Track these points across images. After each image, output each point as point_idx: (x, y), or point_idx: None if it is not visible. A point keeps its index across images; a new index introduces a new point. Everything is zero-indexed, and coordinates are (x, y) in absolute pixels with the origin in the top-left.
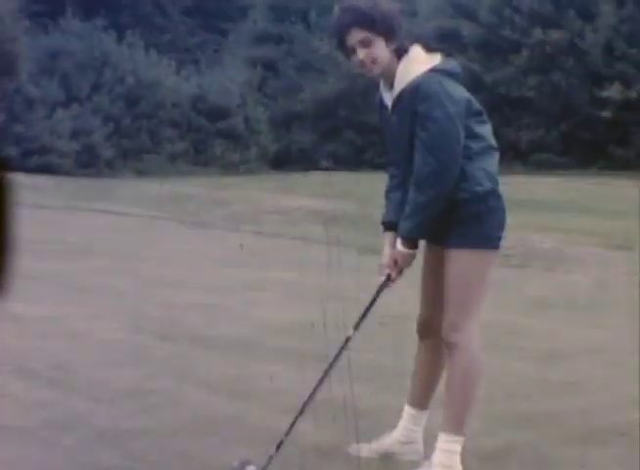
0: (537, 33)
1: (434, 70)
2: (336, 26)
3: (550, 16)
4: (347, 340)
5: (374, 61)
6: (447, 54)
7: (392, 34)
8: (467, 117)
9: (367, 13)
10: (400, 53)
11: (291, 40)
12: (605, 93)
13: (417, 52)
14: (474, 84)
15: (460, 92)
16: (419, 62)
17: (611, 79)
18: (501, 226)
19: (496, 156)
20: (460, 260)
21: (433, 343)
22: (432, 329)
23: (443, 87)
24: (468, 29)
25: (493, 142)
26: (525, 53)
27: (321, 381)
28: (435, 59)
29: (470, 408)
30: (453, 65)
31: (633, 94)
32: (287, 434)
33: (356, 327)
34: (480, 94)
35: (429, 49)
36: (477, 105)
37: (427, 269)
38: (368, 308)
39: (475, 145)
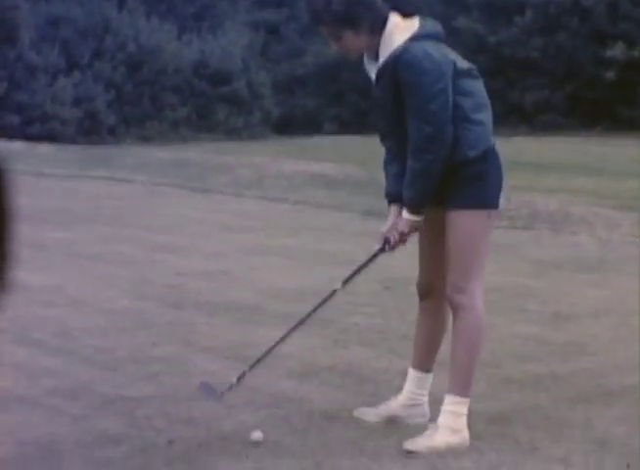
0: None
1: (414, 38)
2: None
3: None
4: (333, 292)
5: (348, 51)
6: (446, 15)
7: (358, 23)
8: (454, 76)
9: (320, 13)
10: (380, 26)
11: (292, 3)
12: (609, 53)
13: (395, 23)
14: (478, 46)
15: (443, 53)
16: (399, 31)
17: (615, 39)
18: (500, 185)
19: (489, 112)
20: (462, 222)
21: (433, 304)
22: (432, 290)
23: (426, 52)
24: None
25: (485, 99)
26: (529, 13)
27: (291, 331)
28: (414, 24)
29: (474, 369)
30: (433, 26)
31: (637, 53)
32: (253, 365)
33: (345, 282)
34: (484, 55)
35: (405, 14)
36: (464, 63)
37: (424, 232)
38: (360, 268)
39: (465, 102)
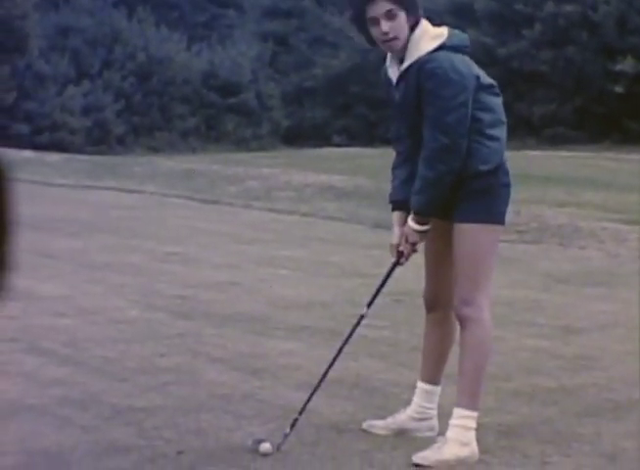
0: (550, 6)
1: (442, 47)
2: None
3: None
4: (361, 318)
5: (396, 36)
6: (454, 27)
7: (415, 9)
8: (477, 90)
9: None
10: (413, 25)
11: (301, 14)
12: (618, 67)
13: (426, 27)
14: (487, 58)
15: (468, 66)
16: (428, 38)
17: (624, 53)
18: (507, 201)
19: (505, 130)
20: (469, 235)
21: (440, 316)
22: (438, 302)
23: (452, 64)
24: (481, 3)
25: (503, 116)
26: (538, 26)
27: (335, 359)
28: (443, 33)
29: (482, 382)
30: (461, 39)
31: None
32: (301, 412)
33: (369, 306)
34: (494, 68)
35: (434, 24)
36: (487, 78)
37: (430, 243)
38: (380, 287)
39: (485, 117)
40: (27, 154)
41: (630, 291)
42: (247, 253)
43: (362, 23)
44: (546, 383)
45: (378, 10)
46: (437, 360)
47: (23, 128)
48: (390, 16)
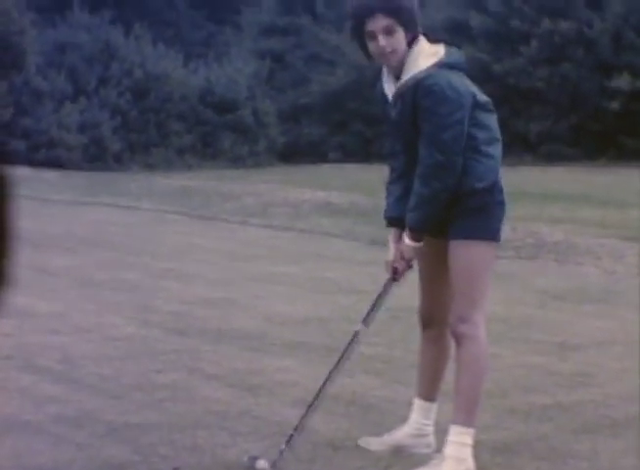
0: (546, 23)
1: (439, 65)
2: (359, 8)
3: (558, 6)
4: (356, 334)
5: (394, 51)
6: (451, 44)
7: (413, 26)
8: (473, 108)
9: (396, 0)
10: (410, 41)
11: (298, 32)
12: (614, 83)
13: (423, 43)
14: (483, 75)
15: (465, 84)
16: (425, 55)
17: (620, 70)
18: (502, 219)
19: (500, 147)
20: (465, 252)
21: (435, 333)
22: (433, 320)
23: (449, 82)
24: (477, 20)
25: (498, 134)
26: (534, 43)
27: (330, 375)
28: (440, 51)
29: (479, 399)
30: (458, 56)
31: None
32: (297, 428)
33: (365, 322)
34: (489, 85)
35: (431, 39)
36: (482, 96)
37: (424, 261)
38: (376, 304)
39: (480, 135)
40: (24, 170)
41: (627, 307)
42: (243, 269)
43: (361, 36)
44: (542, 400)
45: (377, 24)
46: (433, 377)
47: (20, 145)
48: (389, 31)
